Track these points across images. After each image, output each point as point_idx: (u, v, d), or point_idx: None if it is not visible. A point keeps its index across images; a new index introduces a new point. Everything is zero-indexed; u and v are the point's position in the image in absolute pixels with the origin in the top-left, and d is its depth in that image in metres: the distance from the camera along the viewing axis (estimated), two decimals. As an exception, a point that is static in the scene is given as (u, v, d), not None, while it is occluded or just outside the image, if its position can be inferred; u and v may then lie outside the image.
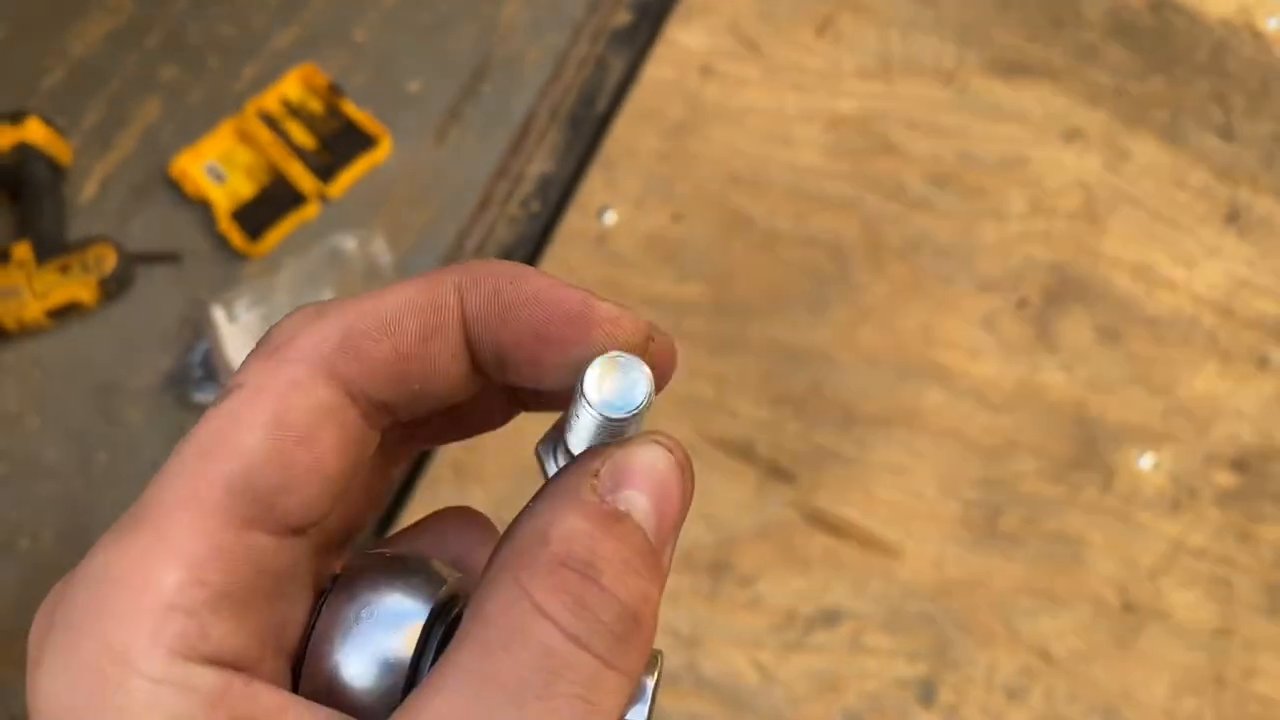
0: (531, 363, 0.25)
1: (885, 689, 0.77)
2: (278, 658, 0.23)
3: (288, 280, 0.84)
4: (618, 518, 0.23)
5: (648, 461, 0.24)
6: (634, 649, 0.22)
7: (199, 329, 0.84)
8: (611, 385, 0.24)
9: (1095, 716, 0.76)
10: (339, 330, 0.24)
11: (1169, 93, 0.94)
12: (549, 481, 0.24)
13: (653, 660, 0.25)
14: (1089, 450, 0.83)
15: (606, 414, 0.24)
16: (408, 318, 0.24)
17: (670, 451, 0.25)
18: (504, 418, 0.32)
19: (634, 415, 0.25)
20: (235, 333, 0.82)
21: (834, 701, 0.76)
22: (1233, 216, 0.90)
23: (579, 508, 0.23)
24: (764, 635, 0.78)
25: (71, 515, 0.81)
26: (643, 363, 0.25)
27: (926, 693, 0.77)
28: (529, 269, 0.25)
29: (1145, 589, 0.79)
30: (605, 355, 0.25)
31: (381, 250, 0.85)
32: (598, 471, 0.23)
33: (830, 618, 0.78)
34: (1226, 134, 0.93)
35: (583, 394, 0.24)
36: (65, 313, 0.84)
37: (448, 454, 0.80)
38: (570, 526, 0.22)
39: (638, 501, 0.23)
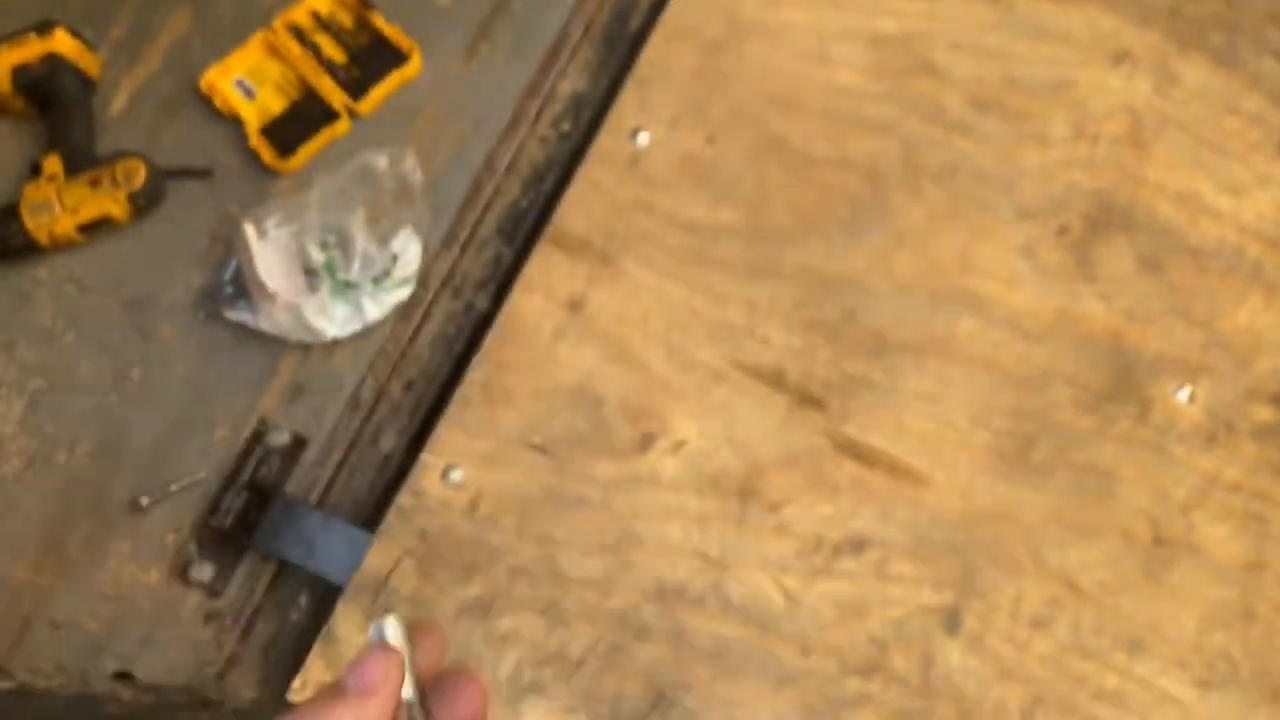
0: None
1: (910, 616, 0.77)
2: None
3: (318, 197, 0.83)
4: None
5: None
6: None
7: (230, 245, 0.84)
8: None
9: (1121, 648, 0.76)
10: None
11: (1226, 13, 0.90)
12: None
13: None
14: (1125, 382, 0.81)
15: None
16: None
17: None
18: None
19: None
20: (266, 249, 0.82)
21: (859, 628, 0.77)
22: (1285, 144, 0.87)
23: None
24: (790, 560, 0.78)
25: (107, 429, 0.82)
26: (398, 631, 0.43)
27: (952, 621, 0.77)
28: None
29: (1177, 523, 0.78)
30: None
31: (413, 168, 0.84)
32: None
33: (857, 545, 0.78)
34: (1283, 58, 0.89)
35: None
36: (97, 228, 0.84)
37: (476, 374, 0.80)
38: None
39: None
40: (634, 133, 0.87)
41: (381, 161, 0.84)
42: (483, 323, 0.84)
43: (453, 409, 0.79)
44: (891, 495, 0.79)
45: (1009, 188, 0.86)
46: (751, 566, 0.78)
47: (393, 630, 0.42)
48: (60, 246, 0.84)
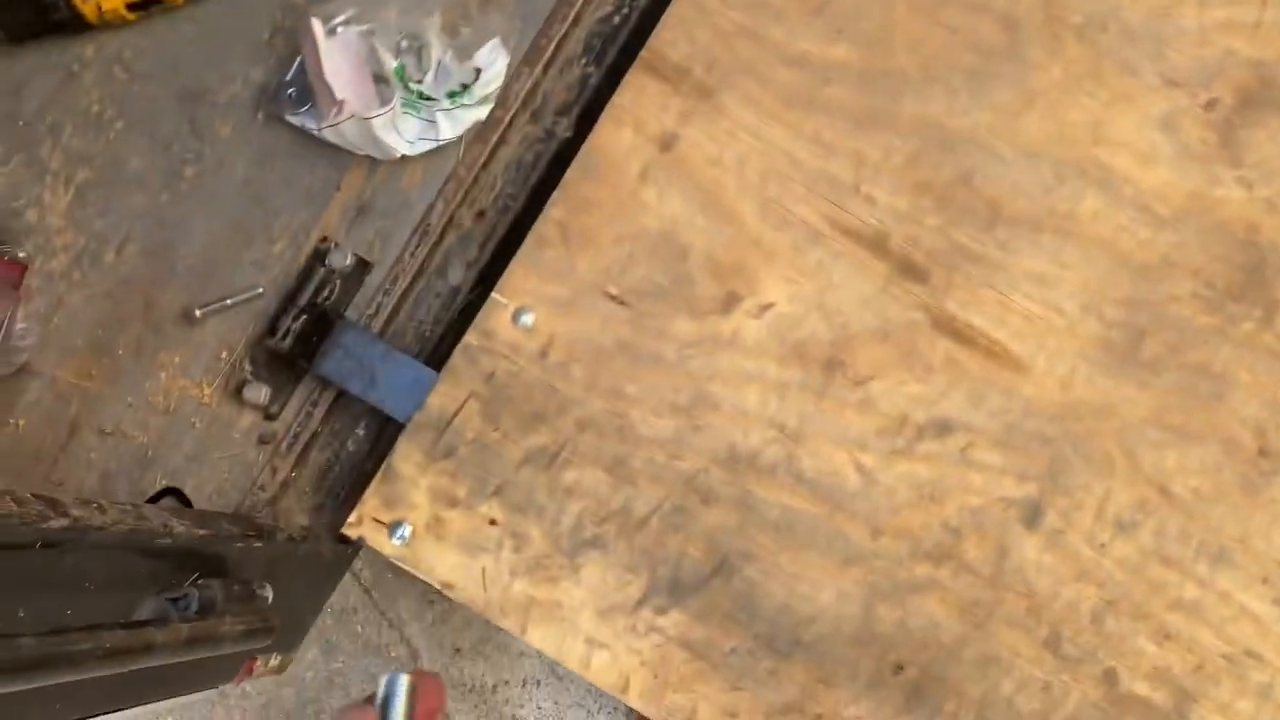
0: None
1: (989, 506, 0.74)
2: None
3: (393, -7, 0.75)
4: None
5: None
6: None
7: (294, 40, 0.77)
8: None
9: (1204, 559, 0.73)
10: None
11: None
12: None
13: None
14: (1254, 279, 0.75)
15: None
16: None
17: None
18: None
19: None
20: (333, 49, 0.74)
21: (933, 513, 0.74)
22: None
23: None
24: (870, 438, 0.74)
25: (158, 230, 0.77)
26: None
27: (1032, 515, 0.73)
28: None
29: (1288, 437, 0.73)
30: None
31: (495, -33, 0.75)
32: None
33: (942, 427, 0.74)
34: None
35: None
36: (148, 6, 0.76)
37: (554, 211, 0.74)
38: None
39: None
40: (747, -52, 0.77)
41: (464, -42, 0.75)
42: (563, 152, 0.77)
43: (527, 247, 0.74)
44: (986, 379, 0.74)
45: (1158, 49, 0.77)
46: (828, 440, 0.74)
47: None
48: (109, 24, 0.77)
